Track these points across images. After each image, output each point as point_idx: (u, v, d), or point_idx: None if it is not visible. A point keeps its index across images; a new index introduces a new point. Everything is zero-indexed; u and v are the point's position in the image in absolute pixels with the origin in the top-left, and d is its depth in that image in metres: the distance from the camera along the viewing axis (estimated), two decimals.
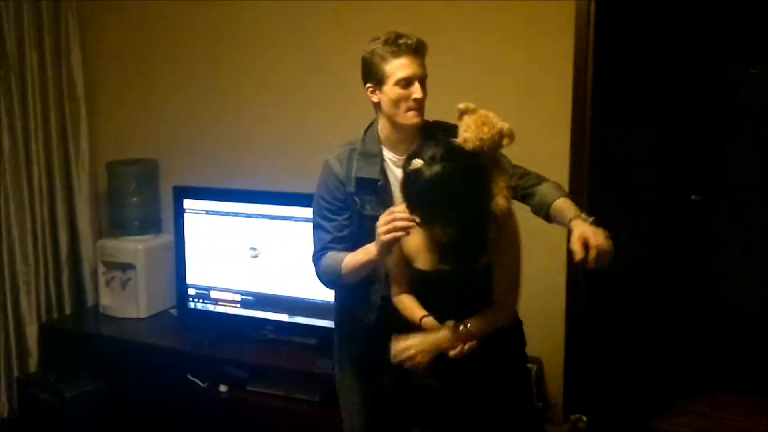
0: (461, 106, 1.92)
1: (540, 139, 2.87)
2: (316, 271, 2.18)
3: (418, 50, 2.01)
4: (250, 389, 3.15)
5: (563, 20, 2.89)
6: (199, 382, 3.22)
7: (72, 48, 3.74)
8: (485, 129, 1.85)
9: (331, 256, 2.11)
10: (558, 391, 3.11)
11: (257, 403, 3.09)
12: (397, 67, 1.99)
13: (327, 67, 3.35)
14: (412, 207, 1.85)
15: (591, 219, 1.92)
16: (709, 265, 4.25)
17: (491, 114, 1.90)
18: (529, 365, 3.00)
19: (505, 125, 1.88)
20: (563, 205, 2.03)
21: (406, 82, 2.00)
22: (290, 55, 3.44)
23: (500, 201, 1.88)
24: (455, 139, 1.90)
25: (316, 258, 2.16)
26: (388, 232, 1.85)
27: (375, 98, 2.07)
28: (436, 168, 1.79)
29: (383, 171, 2.11)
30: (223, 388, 3.18)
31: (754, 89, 4.08)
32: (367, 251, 1.99)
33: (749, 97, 4.10)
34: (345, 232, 2.13)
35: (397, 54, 1.99)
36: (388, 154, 2.12)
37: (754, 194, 4.09)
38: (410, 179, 1.84)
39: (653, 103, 3.61)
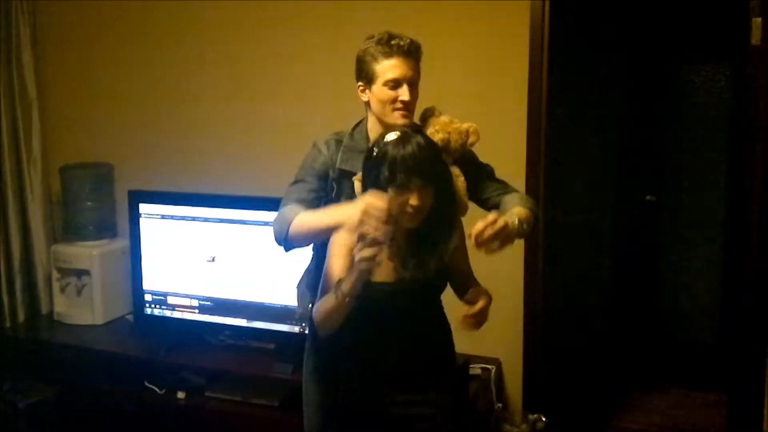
0: (428, 109, 2.00)
1: (496, 140, 2.86)
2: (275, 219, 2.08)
3: (410, 52, 1.99)
4: (209, 395, 3.12)
5: (518, 21, 2.91)
6: (156, 389, 3.18)
7: (23, 49, 3.65)
8: (453, 126, 1.93)
9: (290, 207, 2.03)
10: (517, 391, 3.14)
11: (216, 409, 3.07)
12: (387, 68, 1.98)
13: (286, 71, 3.34)
14: (391, 174, 1.81)
15: (521, 222, 1.94)
16: (663, 263, 4.33)
17: (455, 119, 1.98)
18: (487, 366, 3.05)
19: (471, 125, 1.96)
20: (514, 208, 2.01)
21: (394, 84, 1.98)
22: (249, 58, 3.41)
23: (463, 200, 1.93)
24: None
25: (280, 207, 2.07)
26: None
27: (365, 97, 2.06)
28: (419, 138, 1.83)
29: None
30: (181, 394, 3.14)
31: (705, 89, 4.17)
32: (333, 217, 1.88)
33: (700, 97, 4.19)
34: (314, 203, 2.07)
35: (388, 55, 1.98)
36: None
37: (707, 193, 4.18)
38: (389, 146, 1.82)
39: (607, 104, 3.66)
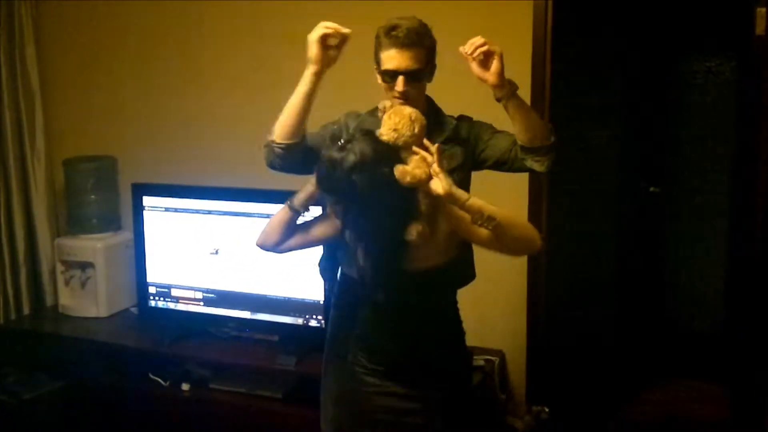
0: (380, 105, 1.98)
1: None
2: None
3: (406, 44, 2.00)
4: (213, 387, 3.13)
5: (521, 12, 2.91)
6: (161, 381, 3.18)
7: (26, 41, 3.65)
8: (396, 119, 1.89)
9: None
10: (520, 383, 3.14)
11: (220, 401, 3.07)
12: (385, 59, 2.02)
13: (290, 62, 3.28)
14: (325, 191, 1.88)
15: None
16: (666, 254, 4.32)
17: (404, 107, 1.94)
18: (491, 358, 3.05)
19: (412, 111, 1.91)
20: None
21: (391, 74, 2.01)
22: (253, 51, 3.41)
23: (416, 171, 1.82)
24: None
25: None
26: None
27: (378, 79, 2.09)
28: (342, 154, 1.81)
29: None
30: (185, 386, 3.15)
31: (709, 80, 4.15)
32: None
33: (705, 88, 4.17)
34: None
35: (387, 45, 2.01)
36: None
37: (711, 184, 4.17)
38: (321, 166, 1.86)
39: (610, 97, 3.65)
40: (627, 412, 3.55)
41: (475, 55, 1.98)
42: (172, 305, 3.37)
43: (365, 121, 2.17)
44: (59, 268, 3.61)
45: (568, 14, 2.95)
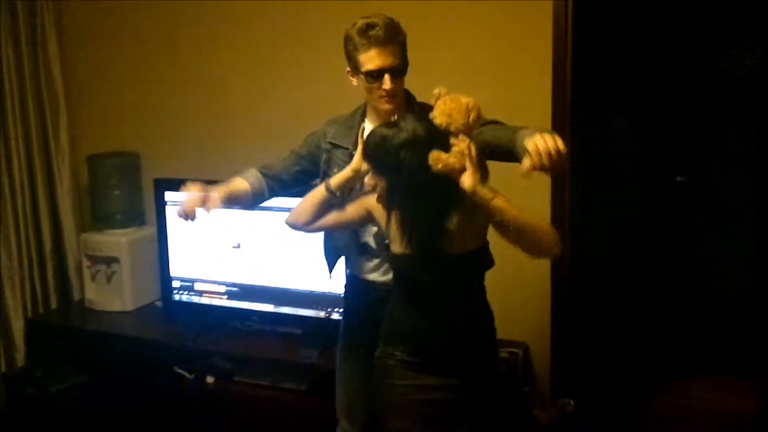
0: (435, 91, 1.95)
1: (520, 123, 2.85)
2: None
3: (386, 41, 1.99)
4: (237, 380, 3.15)
5: (541, 14, 2.87)
6: (185, 374, 3.21)
7: (48, 39, 3.68)
8: (452, 105, 1.88)
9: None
10: (545, 375, 3.11)
11: (244, 394, 3.09)
12: (366, 60, 2.01)
13: (312, 57, 3.32)
14: (371, 164, 1.93)
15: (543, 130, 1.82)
16: (694, 245, 4.26)
17: (460, 95, 1.92)
18: (515, 350, 3.03)
19: (470, 100, 1.90)
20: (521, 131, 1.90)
21: (376, 73, 2.01)
22: (274, 45, 3.40)
23: (449, 159, 1.81)
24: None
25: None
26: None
27: (354, 82, 2.09)
28: (383, 130, 1.87)
29: (356, 143, 2.12)
30: (210, 379, 3.18)
31: (734, 68, 4.08)
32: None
33: (732, 75, 4.09)
34: (283, 177, 2.25)
35: (366, 46, 2.00)
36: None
37: (739, 174, 4.10)
38: (371, 139, 1.91)
39: (635, 85, 3.60)
40: (654, 405, 3.52)
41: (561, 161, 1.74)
42: (195, 299, 3.40)
43: (344, 123, 2.18)
44: (85, 263, 3.65)
45: (588, 12, 2.92)
